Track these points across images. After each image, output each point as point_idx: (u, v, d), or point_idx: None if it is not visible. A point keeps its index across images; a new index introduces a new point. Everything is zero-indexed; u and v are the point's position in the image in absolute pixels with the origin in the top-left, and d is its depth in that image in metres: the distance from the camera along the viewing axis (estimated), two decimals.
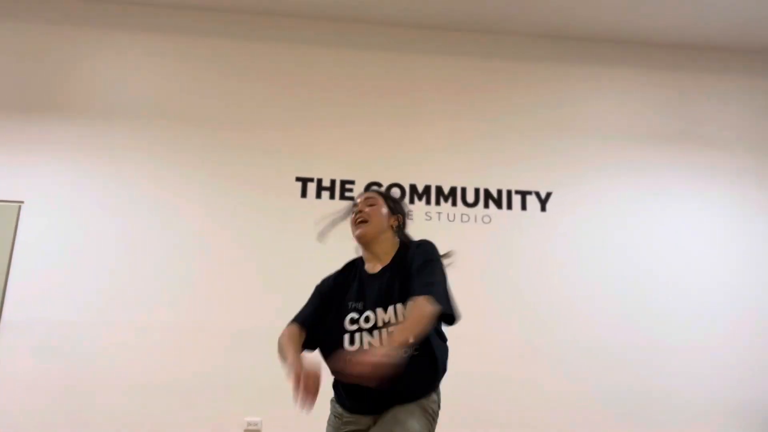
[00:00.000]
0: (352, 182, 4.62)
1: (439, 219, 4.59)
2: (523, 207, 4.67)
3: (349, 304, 1.98)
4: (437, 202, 4.61)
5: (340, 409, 2.03)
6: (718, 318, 4.55)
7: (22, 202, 4.38)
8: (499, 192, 4.69)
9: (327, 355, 1.97)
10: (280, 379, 4.28)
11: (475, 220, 4.61)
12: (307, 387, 1.70)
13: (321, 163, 4.63)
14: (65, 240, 4.34)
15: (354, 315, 1.93)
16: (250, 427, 4.21)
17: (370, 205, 2.11)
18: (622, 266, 4.62)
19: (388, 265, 2.02)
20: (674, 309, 4.54)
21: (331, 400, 2.10)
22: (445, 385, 2.06)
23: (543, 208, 4.68)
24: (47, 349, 4.12)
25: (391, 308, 1.89)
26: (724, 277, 4.65)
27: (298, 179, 4.58)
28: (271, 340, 4.15)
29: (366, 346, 1.86)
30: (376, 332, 1.87)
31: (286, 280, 4.38)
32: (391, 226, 2.12)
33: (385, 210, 2.12)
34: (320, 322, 2.02)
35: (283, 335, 2.03)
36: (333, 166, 4.64)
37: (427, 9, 4.76)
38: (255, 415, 4.18)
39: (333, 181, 4.61)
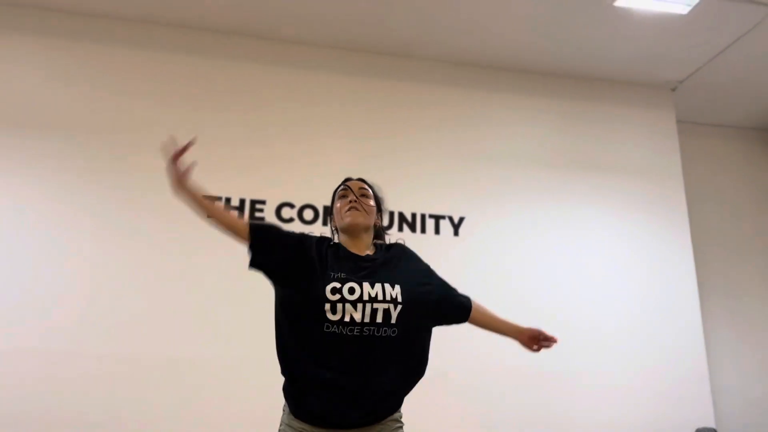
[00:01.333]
0: (263, 202, 4.46)
1: None
2: (437, 231, 4.67)
3: (331, 273, 1.83)
4: None
5: (299, 425, 1.80)
6: (619, 342, 4.71)
7: None
8: (413, 216, 4.67)
9: (304, 325, 1.80)
10: None
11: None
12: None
13: (232, 181, 4.44)
14: None
15: (336, 284, 1.79)
16: None
17: (365, 197, 2.04)
18: (531, 289, 4.69)
19: (378, 253, 1.99)
20: (579, 331, 4.65)
21: (286, 417, 1.87)
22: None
23: (456, 233, 4.70)
24: None
25: (378, 285, 1.81)
26: (625, 299, 4.83)
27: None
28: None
29: (347, 317, 1.74)
30: (359, 305, 1.75)
31: (194, 301, 4.17)
32: (375, 224, 2.07)
33: (374, 206, 2.07)
34: (282, 257, 1.89)
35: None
36: (243, 185, 4.46)
37: (330, 29, 4.69)
38: None
39: (242, 201, 4.44)
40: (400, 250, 2.08)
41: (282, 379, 1.90)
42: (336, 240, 2.06)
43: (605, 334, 4.70)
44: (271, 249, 1.89)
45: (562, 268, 4.79)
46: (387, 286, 1.83)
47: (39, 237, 4.07)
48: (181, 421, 3.86)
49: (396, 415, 1.91)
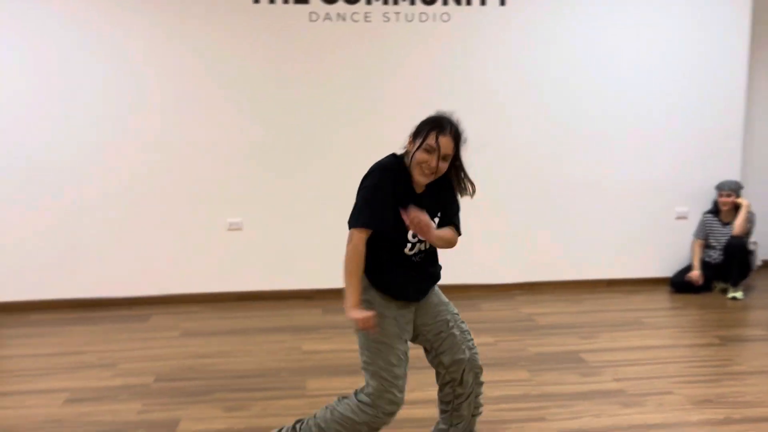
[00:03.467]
0: None
1: (397, 20, 4.58)
2: (482, 2, 4.65)
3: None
4: (395, 2, 4.56)
5: (385, 302, 2.23)
6: (661, 92, 4.88)
7: None
8: None
9: (391, 247, 2.21)
10: (256, 186, 4.67)
11: (434, 19, 4.61)
12: (366, 324, 2.06)
13: None
14: (37, 69, 4.33)
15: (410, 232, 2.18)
16: (233, 227, 4.66)
17: (445, 160, 2.14)
18: (580, 59, 4.77)
19: (428, 190, 2.22)
20: (630, 99, 4.83)
21: (371, 295, 2.21)
22: None
23: (502, 2, 4.66)
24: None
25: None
26: (671, 43, 4.85)
27: None
28: (241, 149, 4.43)
29: (414, 250, 2.22)
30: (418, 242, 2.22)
31: (252, 91, 4.54)
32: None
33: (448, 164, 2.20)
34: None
35: (354, 256, 2.12)
36: None
37: None
38: (236, 216, 4.64)
39: None
40: (441, 182, 2.26)
41: None
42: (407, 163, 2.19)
43: (648, 80, 4.86)
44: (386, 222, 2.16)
45: (617, 36, 4.78)
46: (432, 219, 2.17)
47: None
48: None
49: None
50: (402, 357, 2.21)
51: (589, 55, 4.78)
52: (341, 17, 4.54)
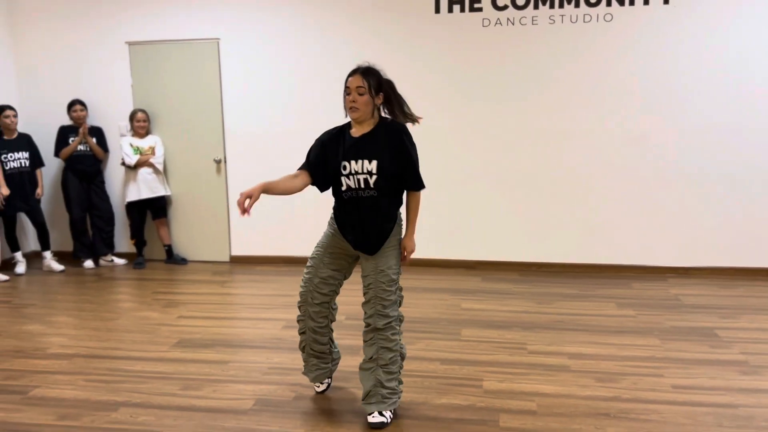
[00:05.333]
0: None
1: (562, 22, 5.05)
2: (646, 2, 4.94)
3: (340, 158, 2.68)
4: (560, 5, 5.03)
5: (334, 230, 2.84)
6: None
7: (219, 39, 5.56)
8: None
9: (335, 189, 2.76)
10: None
11: (597, 20, 5.01)
12: (240, 202, 2.50)
13: None
14: (255, 66, 5.55)
15: (345, 163, 2.67)
16: None
17: (360, 94, 2.62)
18: (746, 61, 4.88)
19: (376, 128, 2.69)
20: None
21: (331, 219, 2.87)
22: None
23: (666, 1, 4.91)
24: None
25: (361, 161, 2.65)
26: None
27: None
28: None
29: (344, 186, 2.68)
30: (351, 177, 2.66)
31: (435, 87, 5.33)
32: (375, 105, 2.70)
33: (370, 96, 2.65)
34: (324, 164, 2.74)
35: (287, 176, 2.73)
36: None
37: None
38: None
39: None
40: (392, 128, 2.68)
41: None
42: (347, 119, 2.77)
43: None
44: (324, 176, 2.75)
45: None
46: (365, 162, 2.63)
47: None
48: None
49: (388, 242, 2.74)
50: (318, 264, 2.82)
51: (761, 50, 4.87)
52: (510, 22, 5.13)
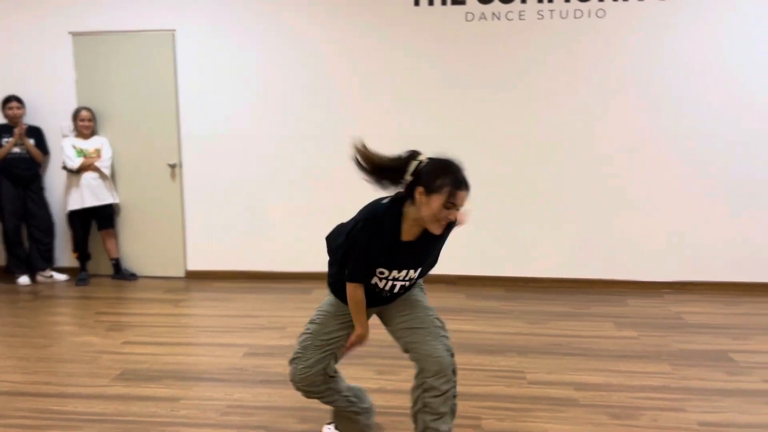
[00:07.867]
0: None
1: (551, 17, 4.68)
2: None
3: (383, 264, 2.23)
4: None
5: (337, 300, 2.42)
6: None
7: (174, 30, 5.02)
8: None
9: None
10: None
11: (589, 15, 4.65)
12: (353, 345, 2.39)
13: None
14: (216, 62, 5.02)
15: (385, 270, 2.24)
16: None
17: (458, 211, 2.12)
18: (742, 57, 4.58)
19: (421, 236, 2.20)
20: None
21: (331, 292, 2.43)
22: None
23: None
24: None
25: (404, 271, 2.25)
26: None
27: None
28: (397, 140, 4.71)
29: (380, 287, 2.29)
30: (387, 281, 2.26)
31: (416, 88, 4.88)
32: None
33: None
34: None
35: (358, 298, 2.29)
36: None
37: None
38: None
39: None
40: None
41: None
42: (404, 210, 2.15)
43: None
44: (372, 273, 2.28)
45: None
46: (411, 271, 2.25)
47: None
48: None
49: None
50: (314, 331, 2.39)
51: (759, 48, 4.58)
52: (496, 16, 4.73)
